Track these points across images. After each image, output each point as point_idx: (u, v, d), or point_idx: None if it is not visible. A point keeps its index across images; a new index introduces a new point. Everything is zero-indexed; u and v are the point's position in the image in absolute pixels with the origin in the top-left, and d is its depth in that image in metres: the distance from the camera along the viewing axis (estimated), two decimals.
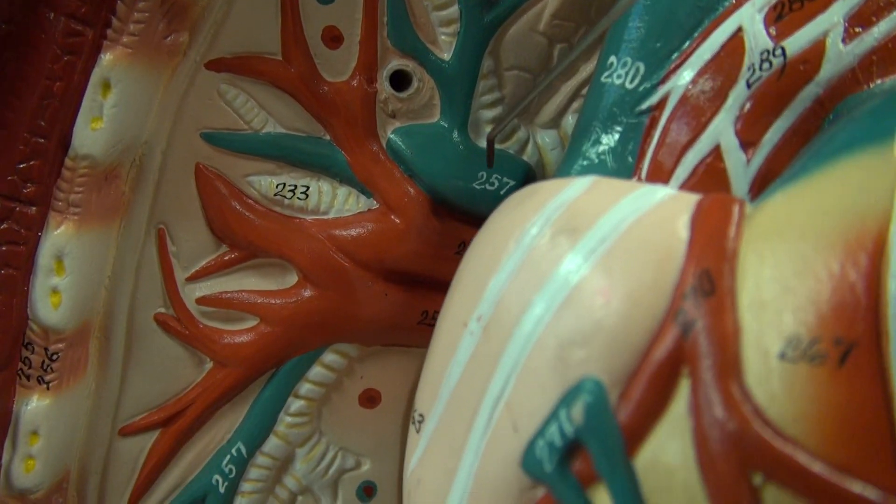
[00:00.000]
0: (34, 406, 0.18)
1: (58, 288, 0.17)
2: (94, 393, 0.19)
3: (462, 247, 0.21)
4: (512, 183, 0.21)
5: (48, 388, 0.18)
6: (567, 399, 0.12)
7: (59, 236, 0.17)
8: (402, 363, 0.22)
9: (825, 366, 0.10)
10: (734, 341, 0.11)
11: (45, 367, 0.18)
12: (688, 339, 0.11)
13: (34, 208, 0.17)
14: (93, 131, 0.17)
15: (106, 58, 0.16)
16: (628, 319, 0.12)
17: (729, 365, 0.11)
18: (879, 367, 0.10)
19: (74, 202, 0.17)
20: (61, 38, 0.16)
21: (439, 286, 0.21)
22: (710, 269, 0.11)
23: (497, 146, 0.21)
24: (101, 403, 0.19)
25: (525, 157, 0.21)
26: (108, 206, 0.18)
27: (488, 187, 0.20)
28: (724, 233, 0.12)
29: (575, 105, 0.22)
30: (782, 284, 0.11)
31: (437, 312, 0.21)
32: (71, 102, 0.16)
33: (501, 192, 0.21)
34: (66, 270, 0.17)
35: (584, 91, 0.22)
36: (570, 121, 0.22)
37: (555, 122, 0.22)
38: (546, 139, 0.22)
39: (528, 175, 0.21)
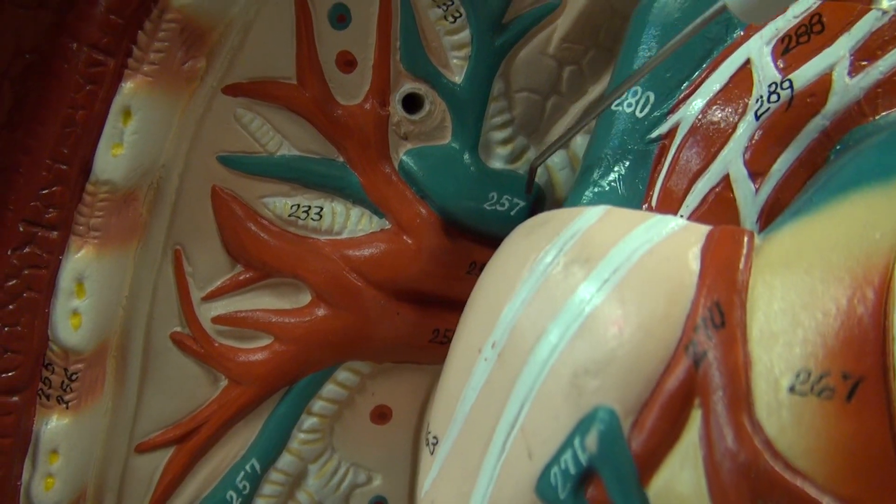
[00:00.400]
0: (54, 425, 0.18)
1: (78, 310, 0.18)
2: (110, 411, 0.20)
3: (473, 266, 0.21)
4: (522, 204, 0.21)
5: (67, 408, 0.18)
6: (581, 427, 0.12)
7: (79, 260, 0.18)
8: (414, 380, 0.22)
9: (833, 400, 0.10)
10: (745, 373, 0.11)
11: (64, 387, 0.18)
12: (699, 371, 0.11)
13: (56, 233, 0.17)
14: (114, 157, 0.17)
15: (127, 86, 0.17)
16: (641, 350, 0.12)
17: (740, 397, 0.11)
18: (886, 402, 0.10)
19: (95, 226, 0.18)
20: (84, 67, 0.16)
21: (450, 305, 0.22)
22: (720, 301, 0.12)
23: (506, 167, 0.21)
24: (118, 421, 0.20)
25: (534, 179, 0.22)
26: (126, 228, 0.18)
27: (499, 208, 0.21)
28: (735, 265, 0.12)
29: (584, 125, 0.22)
30: (791, 317, 0.11)
31: (448, 330, 0.22)
32: (92, 130, 0.17)
33: (511, 213, 0.21)
34: (86, 293, 0.18)
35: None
36: (578, 141, 0.22)
37: (564, 142, 0.22)
38: (555, 159, 0.22)
39: (538, 195, 0.21)
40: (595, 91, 0.22)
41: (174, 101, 0.18)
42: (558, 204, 0.22)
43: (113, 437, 0.20)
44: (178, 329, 0.20)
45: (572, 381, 0.12)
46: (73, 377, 0.18)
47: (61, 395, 0.18)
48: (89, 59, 0.16)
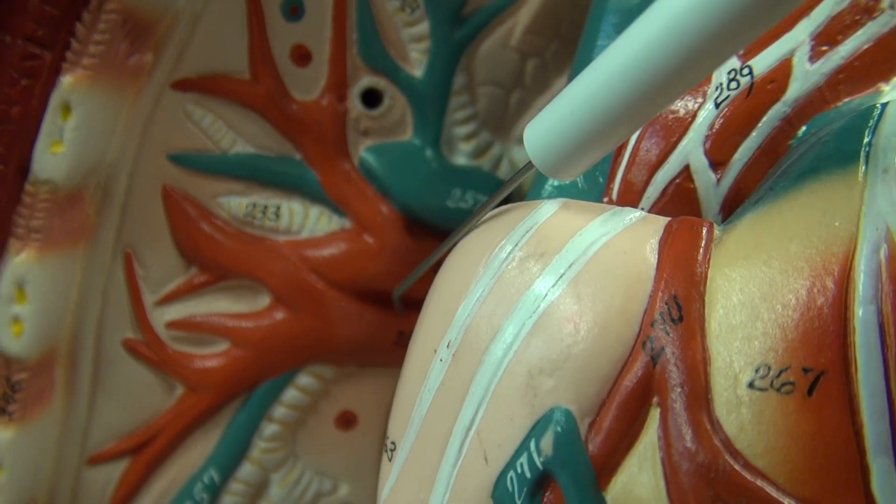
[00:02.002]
0: None
1: (19, 316, 0.17)
2: (60, 421, 0.19)
3: (437, 266, 0.21)
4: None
5: (11, 419, 0.17)
6: (537, 429, 0.11)
7: (19, 264, 0.17)
8: (379, 383, 0.21)
9: (794, 395, 0.10)
10: (703, 370, 0.10)
11: (6, 398, 0.17)
12: (657, 367, 0.11)
13: None
14: (53, 156, 0.16)
15: (65, 80, 0.16)
16: (597, 347, 0.11)
17: (698, 394, 0.10)
18: (848, 397, 0.09)
19: (35, 228, 0.17)
20: (18, 61, 0.15)
21: (415, 306, 0.21)
22: (678, 294, 0.11)
23: (471, 163, 0.21)
24: (69, 432, 0.19)
25: (499, 174, 0.21)
26: (71, 229, 0.18)
27: (462, 205, 0.20)
28: (693, 257, 0.12)
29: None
30: (751, 310, 0.11)
31: (412, 333, 0.21)
32: (30, 127, 0.16)
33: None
34: (27, 298, 0.17)
35: None
36: None
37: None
38: (521, 155, 0.22)
39: (506, 198, 0.21)
40: (559, 84, 0.21)
41: (119, 97, 0.17)
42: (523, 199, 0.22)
43: (63, 449, 0.19)
44: (131, 335, 0.19)
45: (527, 381, 0.12)
46: (17, 387, 0.17)
47: (3, 405, 0.17)
48: (24, 53, 0.15)
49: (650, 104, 0.11)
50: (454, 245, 0.15)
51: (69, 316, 0.18)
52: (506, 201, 0.21)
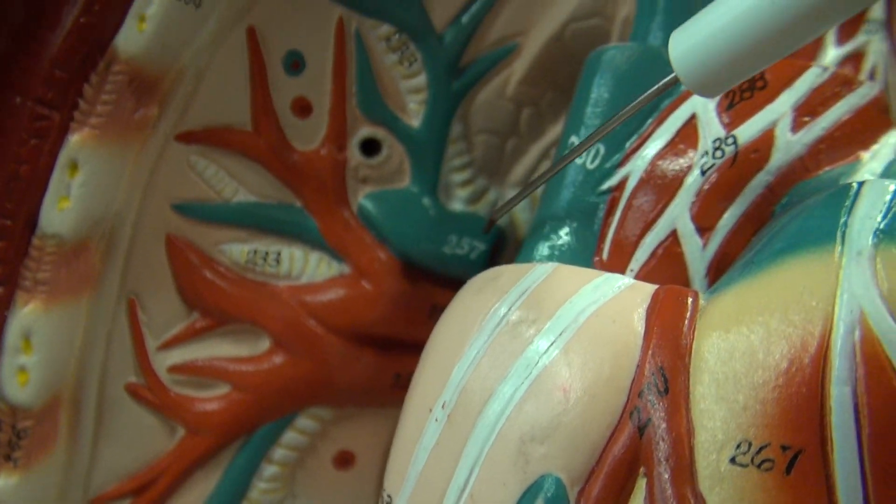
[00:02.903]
0: (1, 485, 0.18)
1: (25, 367, 0.17)
2: (64, 465, 0.19)
3: (434, 310, 0.21)
4: (482, 247, 0.21)
5: (15, 466, 0.18)
6: (528, 496, 0.12)
7: (26, 315, 0.17)
8: (377, 424, 0.22)
9: (773, 473, 0.10)
10: (688, 442, 0.11)
11: (12, 445, 0.18)
12: (643, 438, 0.11)
13: (1, 288, 0.17)
14: (60, 211, 0.17)
15: (73, 139, 0.16)
16: (586, 415, 0.12)
17: (683, 467, 0.11)
18: (825, 475, 0.10)
19: (42, 280, 0.17)
20: (28, 122, 0.16)
21: (412, 348, 0.21)
22: (664, 366, 0.12)
23: (468, 209, 0.21)
24: (72, 475, 0.19)
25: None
26: (77, 278, 0.18)
27: (458, 251, 0.21)
28: (679, 328, 0.12)
29: (543, 166, 0.22)
30: (733, 384, 0.11)
31: (410, 374, 0.21)
32: (38, 184, 0.16)
33: (472, 256, 0.21)
34: (33, 349, 0.17)
35: (553, 152, 0.22)
36: None
37: (524, 183, 0.22)
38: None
39: (499, 238, 0.21)
40: (554, 132, 0.22)
41: (125, 151, 0.18)
42: (520, 244, 0.22)
43: (66, 492, 0.19)
44: (134, 379, 0.20)
45: (519, 447, 0.12)
46: (22, 434, 0.18)
47: (9, 453, 0.18)
48: (34, 114, 0.16)
49: (812, 21, 0.11)
50: (543, 181, 0.15)
51: (73, 362, 0.19)
52: (505, 250, 0.22)
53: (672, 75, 0.13)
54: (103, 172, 0.17)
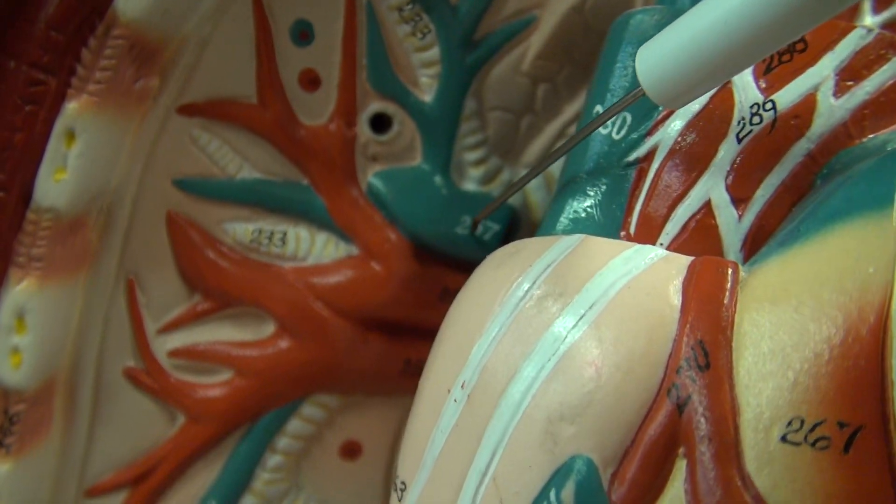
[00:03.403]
0: None
1: (18, 347, 0.16)
2: (58, 452, 0.18)
3: (445, 293, 0.20)
4: (496, 227, 0.20)
5: (8, 453, 0.17)
6: (557, 479, 0.11)
7: (20, 293, 0.16)
8: (385, 413, 0.21)
9: (829, 452, 0.09)
10: (732, 421, 0.10)
11: (3, 431, 0.17)
12: (683, 416, 0.11)
13: None
14: (56, 183, 0.16)
15: (70, 107, 0.16)
16: (620, 393, 0.11)
17: (727, 448, 0.10)
18: (888, 455, 0.09)
19: (37, 256, 0.16)
20: (22, 87, 0.15)
21: (422, 333, 0.20)
22: (704, 339, 0.11)
23: (481, 189, 0.21)
24: (67, 463, 0.18)
25: (509, 200, 0.21)
26: (73, 256, 0.17)
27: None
28: (719, 300, 0.11)
29: (559, 145, 0.21)
30: (781, 359, 0.10)
31: (420, 361, 0.21)
32: (33, 154, 0.16)
33: (485, 237, 0.20)
34: (27, 328, 0.16)
35: (569, 131, 0.21)
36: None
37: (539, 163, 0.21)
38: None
39: (513, 218, 0.21)
40: (570, 110, 0.21)
41: (124, 123, 0.17)
42: (534, 226, 0.21)
43: (61, 480, 0.18)
44: (132, 363, 0.19)
45: (546, 427, 0.11)
46: (14, 419, 0.17)
47: (1, 438, 0.17)
48: (28, 79, 0.15)
49: (777, 35, 0.11)
50: (535, 175, 0.15)
51: (69, 344, 0.18)
52: (519, 232, 0.21)
53: (638, 87, 0.13)
54: (102, 143, 0.16)
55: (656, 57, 0.12)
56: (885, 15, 0.15)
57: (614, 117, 0.15)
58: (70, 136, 0.16)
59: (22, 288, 0.16)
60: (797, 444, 0.10)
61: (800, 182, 0.13)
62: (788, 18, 0.11)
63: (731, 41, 0.11)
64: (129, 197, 0.18)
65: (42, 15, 0.15)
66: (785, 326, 0.10)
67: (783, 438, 0.10)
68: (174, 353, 0.19)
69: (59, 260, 0.17)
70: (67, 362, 0.18)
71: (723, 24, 0.11)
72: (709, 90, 0.12)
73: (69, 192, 0.16)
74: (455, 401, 0.13)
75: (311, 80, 0.19)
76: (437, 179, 0.20)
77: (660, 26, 0.15)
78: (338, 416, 0.20)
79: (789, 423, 0.10)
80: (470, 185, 0.20)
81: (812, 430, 0.09)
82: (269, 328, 0.19)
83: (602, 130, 0.15)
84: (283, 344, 0.19)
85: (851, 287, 0.10)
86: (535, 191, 0.21)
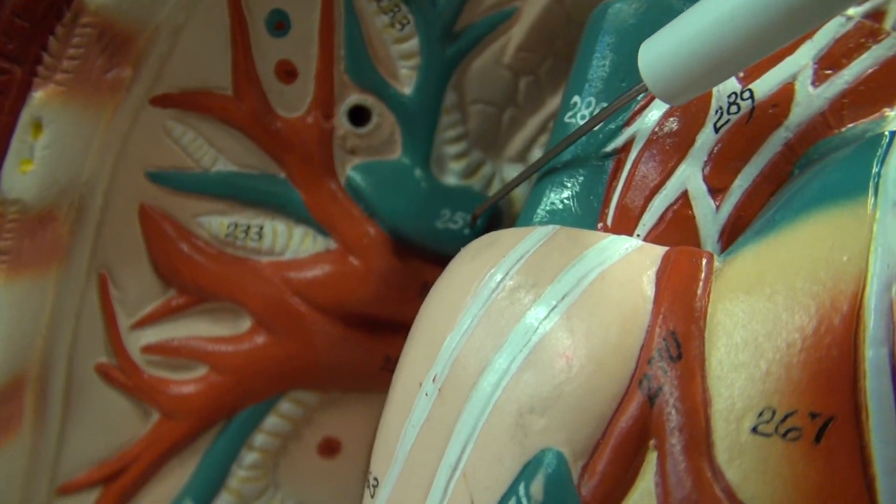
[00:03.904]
0: None
1: None
2: (29, 450, 0.18)
3: (425, 288, 0.20)
4: (478, 222, 0.20)
5: None
6: (526, 472, 0.11)
7: None
8: (364, 410, 0.21)
9: (800, 442, 0.09)
10: (704, 412, 0.10)
11: None
12: (654, 408, 0.10)
13: None
14: (22, 174, 0.16)
15: (37, 96, 0.15)
16: (591, 385, 0.11)
17: (698, 439, 0.10)
18: (859, 446, 0.09)
19: (3, 249, 0.16)
20: None
21: (402, 329, 0.20)
22: (676, 330, 0.11)
23: (462, 182, 0.20)
24: (38, 461, 0.18)
25: (490, 194, 0.21)
26: (43, 250, 0.17)
27: (451, 226, 0.20)
28: (692, 290, 0.11)
29: (542, 139, 0.21)
30: (754, 349, 0.10)
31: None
32: None
33: (465, 231, 0.20)
34: None
35: (552, 124, 0.21)
36: (536, 155, 0.21)
37: (521, 157, 0.21)
38: (513, 174, 0.21)
39: (495, 212, 0.20)
40: (553, 103, 0.21)
41: (95, 114, 0.17)
42: (515, 219, 0.21)
43: (32, 479, 0.18)
44: (104, 359, 0.19)
45: (517, 419, 0.11)
46: None
47: None
48: None
49: (790, 27, 0.11)
50: (542, 164, 0.15)
51: (40, 340, 0.17)
52: (501, 226, 0.21)
53: (641, 83, 0.13)
54: (71, 135, 0.16)
55: (660, 53, 0.12)
56: (867, 5, 0.15)
57: (591, 107, 0.14)
58: (37, 126, 0.15)
59: None
60: (768, 435, 0.09)
61: (778, 172, 0.13)
62: (795, 15, 0.10)
63: (737, 38, 0.11)
64: (101, 190, 0.18)
65: (7, 2, 0.15)
66: (758, 316, 0.10)
67: (754, 430, 0.09)
68: (148, 349, 0.19)
69: (27, 254, 0.16)
70: (38, 358, 0.18)
71: (728, 20, 0.11)
72: (712, 86, 0.12)
73: (36, 184, 0.16)
74: (426, 395, 0.13)
75: (287, 72, 0.18)
76: (417, 173, 0.19)
77: (638, 15, 0.15)
78: (316, 412, 0.20)
79: (760, 414, 0.09)
80: (451, 179, 0.20)
81: (783, 420, 0.09)
82: (246, 324, 0.19)
83: (579, 122, 0.15)
84: (260, 340, 0.19)
85: (825, 276, 0.10)
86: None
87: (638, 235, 0.13)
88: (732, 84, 0.13)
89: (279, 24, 0.18)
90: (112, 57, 0.16)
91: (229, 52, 0.18)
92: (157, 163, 0.18)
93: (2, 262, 0.16)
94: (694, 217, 0.13)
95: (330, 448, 0.21)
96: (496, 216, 0.20)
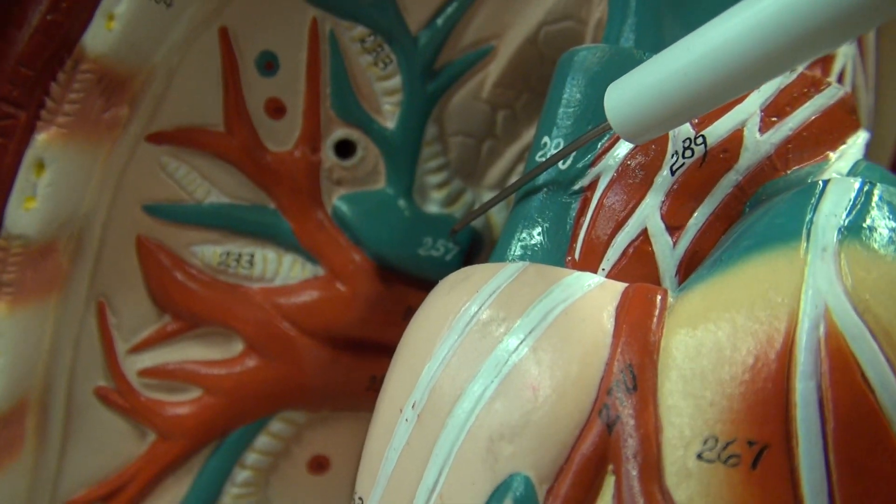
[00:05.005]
0: None
1: None
2: (31, 471, 0.19)
3: (408, 312, 0.21)
4: (457, 249, 0.21)
5: None
6: (497, 495, 0.12)
7: None
8: (352, 427, 0.22)
9: (739, 468, 0.10)
10: (656, 439, 0.11)
11: None
12: (612, 436, 0.11)
13: None
14: (26, 212, 0.16)
15: (40, 138, 0.16)
16: (555, 414, 0.12)
17: (651, 464, 0.11)
18: (790, 470, 0.10)
19: (7, 282, 0.17)
20: None
21: (387, 351, 0.21)
22: (633, 363, 0.12)
23: (443, 211, 0.21)
24: (39, 481, 0.19)
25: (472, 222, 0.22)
26: (44, 280, 0.18)
27: (434, 253, 0.21)
28: (647, 325, 0.12)
29: (519, 168, 0.22)
30: (700, 381, 0.11)
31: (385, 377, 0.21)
32: (3, 184, 0.16)
33: (447, 258, 0.21)
34: None
35: (528, 154, 0.22)
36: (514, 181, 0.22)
37: (500, 184, 0.22)
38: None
39: (474, 239, 0.21)
40: (529, 134, 0.22)
41: (94, 151, 0.18)
42: (494, 245, 0.22)
43: (34, 498, 0.19)
44: (103, 383, 0.19)
45: (489, 445, 0.12)
46: None
47: None
48: None
49: (738, 85, 0.12)
50: (510, 192, 0.16)
51: (41, 365, 0.18)
52: (481, 252, 0.22)
53: (605, 122, 0.14)
54: (71, 172, 0.17)
55: (624, 96, 0.13)
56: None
57: (559, 147, 0.15)
58: (40, 166, 0.16)
59: None
60: (711, 461, 0.10)
61: (730, 211, 0.14)
62: (745, 74, 0.12)
63: (693, 88, 0.12)
64: (99, 222, 0.19)
65: (12, 51, 0.16)
66: (704, 350, 0.11)
67: (699, 456, 0.10)
68: (144, 373, 0.20)
69: (30, 284, 0.17)
70: (39, 383, 0.18)
71: (683, 74, 0.12)
72: (671, 129, 0.13)
73: (39, 220, 0.17)
74: (406, 420, 0.14)
75: (276, 109, 0.19)
76: (401, 202, 0.21)
77: (602, 63, 0.16)
78: (305, 431, 0.21)
79: (705, 442, 0.10)
80: (433, 207, 0.21)
81: (725, 447, 0.10)
82: (238, 347, 0.20)
83: None
84: (251, 363, 0.20)
85: (762, 314, 0.11)
86: (496, 212, 0.22)
87: (603, 269, 0.15)
88: (687, 130, 0.14)
89: (268, 64, 0.19)
90: (110, 97, 0.17)
91: (221, 91, 0.19)
92: (152, 196, 0.19)
93: (6, 293, 0.17)
94: (653, 253, 0.14)
95: (319, 465, 0.21)
96: (476, 243, 0.21)
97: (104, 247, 0.19)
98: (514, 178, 0.22)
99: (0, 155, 0.16)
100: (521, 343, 0.12)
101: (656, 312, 0.12)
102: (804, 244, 0.11)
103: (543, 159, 0.16)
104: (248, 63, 0.19)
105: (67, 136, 0.17)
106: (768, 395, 0.10)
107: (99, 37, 0.16)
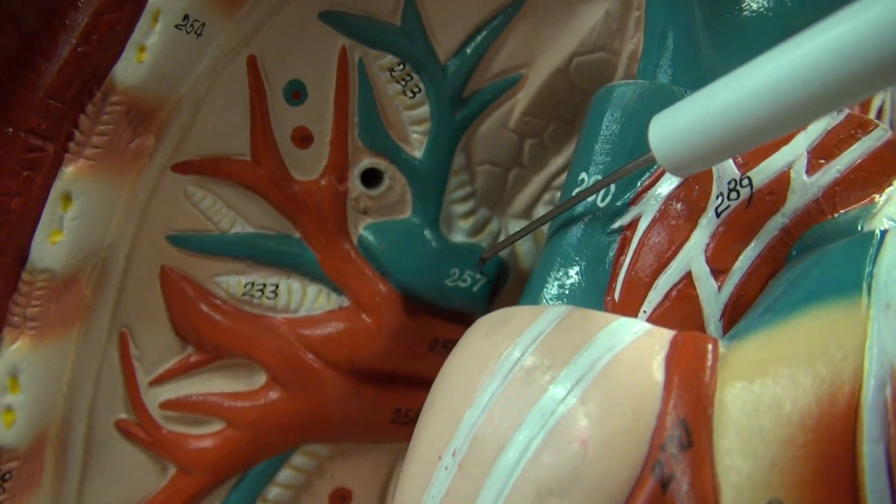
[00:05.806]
0: None
1: (12, 406, 0.17)
2: None
3: (435, 343, 0.21)
4: (484, 280, 0.21)
5: None
6: None
7: (13, 353, 0.16)
8: (375, 460, 0.21)
9: None
10: (713, 501, 0.11)
11: None
12: (667, 495, 0.11)
13: None
14: (52, 245, 0.16)
15: (67, 171, 0.16)
16: (606, 469, 0.11)
17: None
18: None
19: (31, 316, 0.16)
20: (20, 153, 0.15)
21: (412, 383, 0.21)
22: (686, 418, 0.11)
23: (468, 240, 0.21)
24: None
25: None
26: (67, 312, 0.17)
27: (461, 284, 0.20)
28: (700, 378, 0.12)
29: (545, 197, 0.22)
30: (759, 440, 0.11)
31: (410, 409, 0.21)
32: (29, 217, 0.16)
33: (474, 289, 0.21)
34: (20, 388, 0.17)
35: (555, 182, 0.22)
36: (541, 212, 0.22)
37: (527, 214, 0.22)
38: (517, 228, 0.22)
39: (502, 269, 0.21)
40: (556, 163, 0.22)
41: (120, 182, 0.17)
42: (521, 274, 0.22)
43: None
44: (124, 416, 0.19)
45: (536, 500, 0.12)
46: (6, 477, 0.17)
47: None
48: (26, 145, 0.15)
49: (790, 121, 0.12)
50: (543, 223, 0.16)
51: (61, 399, 0.18)
52: (507, 274, 0.21)
53: (649, 153, 0.13)
54: (98, 204, 0.17)
55: (670, 127, 0.13)
56: None
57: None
58: (67, 199, 0.16)
59: (16, 348, 0.16)
60: None
61: (776, 254, 0.14)
62: (797, 110, 0.11)
63: (744, 122, 0.12)
64: (124, 252, 0.18)
65: (41, 83, 0.15)
66: (763, 407, 0.11)
67: None
68: (166, 405, 0.19)
69: (54, 317, 0.17)
70: (59, 416, 0.18)
71: (733, 107, 0.12)
72: (716, 163, 0.13)
73: (65, 254, 0.16)
74: (446, 468, 0.13)
75: (303, 138, 0.19)
76: (427, 233, 0.20)
77: (641, 99, 0.16)
78: (328, 464, 0.21)
79: None
80: (459, 237, 0.21)
81: None
82: (261, 379, 0.20)
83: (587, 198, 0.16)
84: (275, 395, 0.20)
85: (824, 372, 0.11)
86: (522, 241, 0.22)
87: (644, 312, 0.14)
88: (732, 171, 0.14)
89: (296, 93, 0.19)
90: (137, 128, 0.17)
91: (248, 121, 0.19)
92: (177, 226, 0.19)
93: (30, 328, 0.16)
94: (698, 297, 0.14)
95: (341, 498, 0.21)
96: (502, 273, 0.21)
97: (128, 277, 0.19)
98: (540, 207, 0.22)
99: (27, 188, 0.15)
100: (569, 393, 0.12)
101: (709, 364, 0.12)
102: (865, 298, 0.11)
103: None
104: (275, 92, 0.19)
105: (95, 169, 0.16)
106: (834, 459, 0.10)
107: (130, 69, 0.16)
